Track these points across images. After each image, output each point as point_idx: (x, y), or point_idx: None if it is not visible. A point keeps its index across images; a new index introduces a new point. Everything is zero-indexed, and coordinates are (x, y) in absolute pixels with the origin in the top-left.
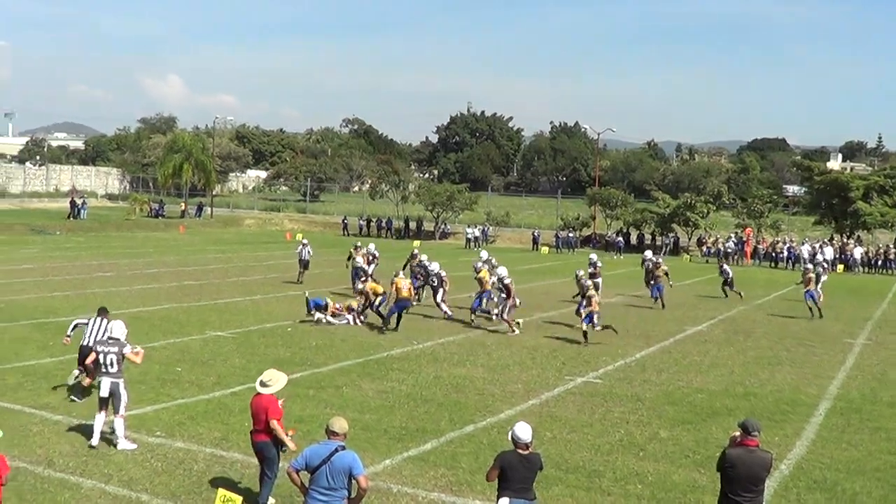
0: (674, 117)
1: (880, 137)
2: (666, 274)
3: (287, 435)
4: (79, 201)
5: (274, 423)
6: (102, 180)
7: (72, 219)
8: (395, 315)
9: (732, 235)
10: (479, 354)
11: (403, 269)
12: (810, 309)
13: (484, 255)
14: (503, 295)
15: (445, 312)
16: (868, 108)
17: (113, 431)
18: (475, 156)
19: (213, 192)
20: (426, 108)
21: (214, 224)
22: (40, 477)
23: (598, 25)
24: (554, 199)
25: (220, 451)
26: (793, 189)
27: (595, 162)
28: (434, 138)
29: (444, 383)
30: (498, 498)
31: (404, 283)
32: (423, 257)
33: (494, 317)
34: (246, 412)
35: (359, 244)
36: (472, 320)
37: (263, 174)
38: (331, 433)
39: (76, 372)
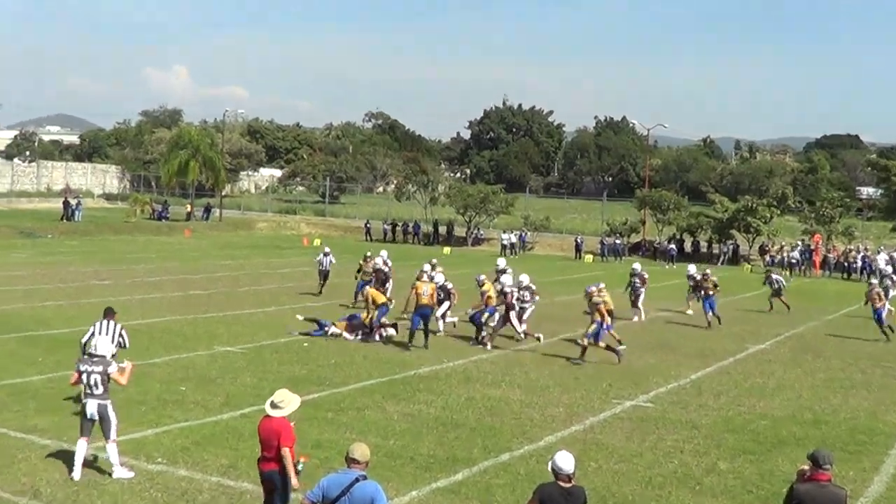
0: (733, 111)
1: None
2: (715, 286)
3: (297, 465)
4: (73, 201)
5: (285, 452)
6: (99, 178)
7: (65, 221)
8: (421, 330)
9: (799, 243)
10: (515, 374)
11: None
12: (883, 332)
13: (501, 262)
14: (527, 305)
15: (439, 330)
16: None
17: (96, 459)
18: (511, 153)
19: (223, 193)
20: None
21: (223, 227)
22: None
23: (648, 9)
24: (599, 201)
25: (227, 480)
26: (867, 191)
27: (645, 161)
28: (466, 134)
29: (477, 406)
30: None
31: (425, 289)
32: (427, 267)
33: (522, 335)
34: (257, 437)
35: (369, 253)
36: (482, 338)
37: (278, 173)
38: (351, 461)
39: None
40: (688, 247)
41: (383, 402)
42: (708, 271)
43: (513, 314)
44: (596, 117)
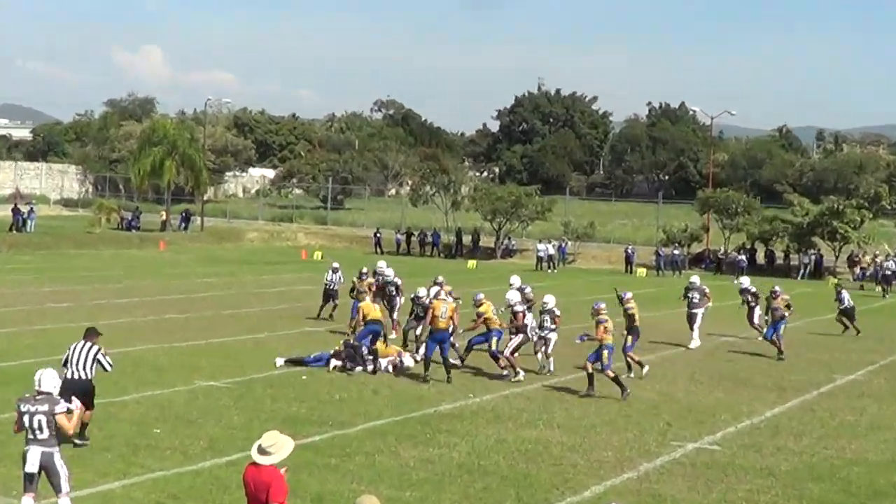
0: (814, 95)
1: None
2: (788, 307)
3: None
4: (24, 209)
5: None
6: (56, 181)
7: (15, 232)
8: (443, 358)
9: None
10: (555, 411)
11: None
12: None
13: (516, 280)
14: (551, 326)
15: (458, 359)
16: None
17: None
18: (548, 148)
19: (205, 197)
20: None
21: (206, 239)
22: None
23: None
24: (654, 204)
25: None
26: None
27: (708, 155)
28: (494, 126)
29: (510, 449)
30: None
31: (443, 308)
32: (422, 291)
33: (543, 370)
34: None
35: (365, 269)
36: (505, 375)
37: (271, 173)
38: None
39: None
40: (760, 258)
41: (397, 446)
42: (777, 288)
43: (516, 339)
44: (649, 104)
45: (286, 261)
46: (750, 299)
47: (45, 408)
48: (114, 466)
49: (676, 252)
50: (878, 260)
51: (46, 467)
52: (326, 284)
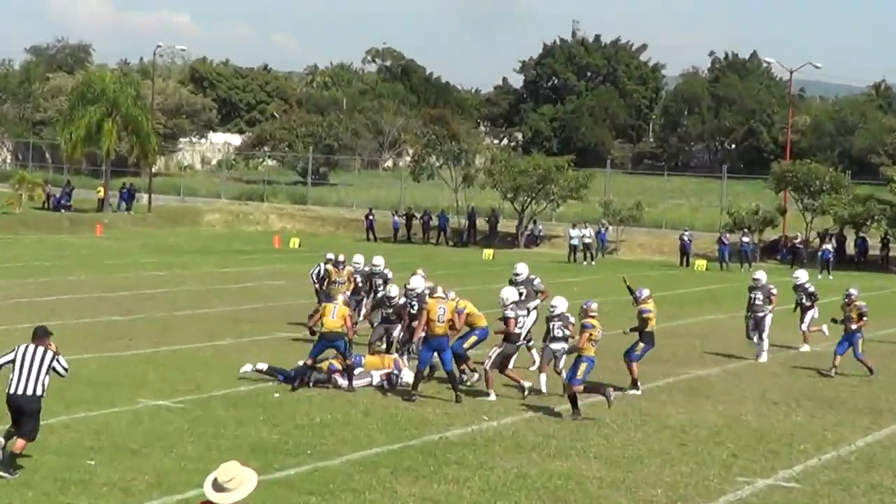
0: None
1: None
2: (861, 316)
3: None
4: None
5: None
6: None
7: None
8: (447, 373)
9: None
10: (591, 438)
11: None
12: None
13: (522, 269)
14: (559, 335)
15: (471, 375)
16: None
17: None
18: (584, 110)
19: (153, 170)
20: (504, 31)
21: (154, 221)
22: None
23: None
24: (716, 179)
25: None
26: None
27: (786, 119)
28: (517, 81)
29: (534, 486)
30: None
31: (440, 310)
32: (393, 290)
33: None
34: None
35: (342, 257)
36: (466, 375)
37: (237, 139)
38: None
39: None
40: (850, 247)
41: (393, 481)
42: (853, 291)
43: (497, 349)
44: (712, 54)
45: (255, 250)
46: (804, 299)
47: None
48: None
49: (746, 240)
50: None
51: None
52: (315, 280)
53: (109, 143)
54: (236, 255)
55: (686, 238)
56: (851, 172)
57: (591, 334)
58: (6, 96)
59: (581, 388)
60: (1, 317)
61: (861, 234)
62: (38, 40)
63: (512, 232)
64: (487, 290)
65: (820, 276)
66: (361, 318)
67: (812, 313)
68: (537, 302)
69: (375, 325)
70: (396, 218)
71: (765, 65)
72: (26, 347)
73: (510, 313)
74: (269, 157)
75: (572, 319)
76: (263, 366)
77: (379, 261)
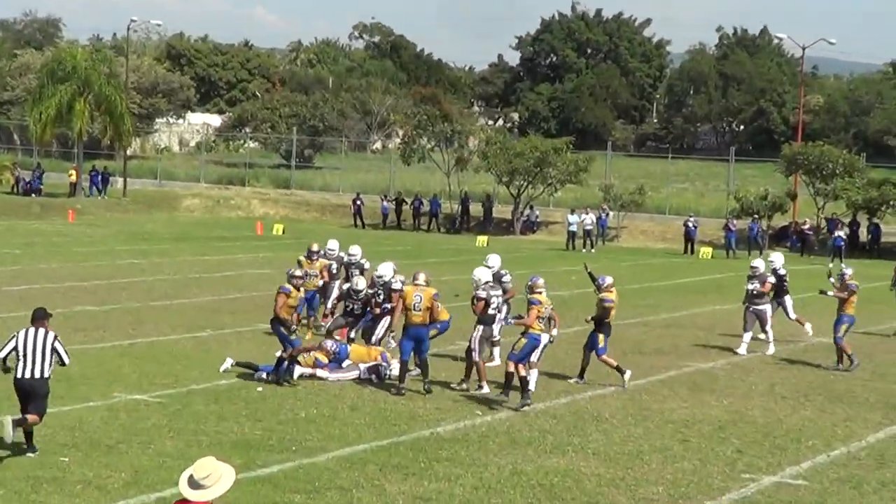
0: None
1: None
2: (851, 294)
3: None
4: None
5: None
6: None
7: None
8: (420, 360)
9: None
10: (589, 433)
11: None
12: None
13: (495, 260)
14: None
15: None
16: None
17: None
18: (585, 89)
19: (128, 152)
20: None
21: (130, 207)
22: None
23: None
24: (724, 162)
25: None
26: None
27: (798, 98)
28: (513, 58)
29: (529, 483)
30: None
31: (417, 298)
32: (361, 283)
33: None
34: None
35: (315, 247)
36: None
37: (216, 120)
38: None
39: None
40: (863, 234)
41: (382, 479)
42: (848, 270)
43: (477, 335)
44: (720, 29)
45: (236, 236)
46: (756, 287)
47: None
48: None
49: (756, 226)
50: None
51: None
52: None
53: (81, 123)
54: (216, 242)
55: (691, 224)
56: (866, 155)
57: (538, 311)
58: None
59: (523, 370)
60: None
61: (874, 221)
62: (5, 14)
63: (507, 218)
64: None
65: (831, 265)
66: (329, 308)
67: (789, 300)
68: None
69: (336, 315)
70: (385, 203)
71: (776, 41)
72: (26, 331)
73: (482, 293)
74: (251, 138)
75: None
76: (229, 364)
77: (356, 250)
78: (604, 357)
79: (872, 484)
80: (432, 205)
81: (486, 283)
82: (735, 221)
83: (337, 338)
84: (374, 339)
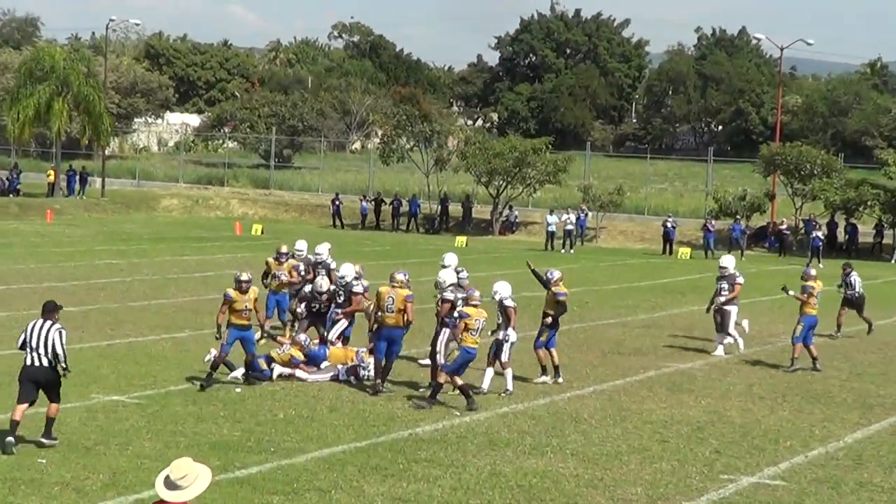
0: None
1: None
2: (808, 297)
3: None
4: None
5: None
6: None
7: None
8: (387, 361)
9: None
10: (568, 434)
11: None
12: None
13: (451, 259)
14: (506, 337)
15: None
16: None
17: None
18: (564, 89)
19: (107, 152)
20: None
21: (108, 207)
22: None
23: None
24: (702, 163)
25: None
26: None
27: (776, 98)
28: (492, 58)
29: (508, 485)
30: None
31: (388, 299)
32: (323, 283)
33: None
34: None
35: (284, 248)
36: (374, 384)
37: (195, 120)
38: None
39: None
40: (841, 234)
41: (360, 480)
42: (811, 271)
43: (443, 338)
44: (699, 30)
45: (215, 237)
46: (724, 286)
47: None
48: None
49: (738, 227)
50: None
51: None
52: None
53: (60, 123)
54: (195, 242)
55: (670, 225)
56: (844, 155)
57: (466, 323)
58: None
59: (447, 376)
60: None
61: (851, 221)
62: None
63: (486, 218)
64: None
65: (810, 265)
66: (291, 309)
67: (726, 301)
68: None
69: (301, 318)
70: (364, 203)
71: (754, 41)
72: (35, 322)
73: (449, 296)
74: (230, 138)
75: (512, 304)
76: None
77: (322, 249)
78: (542, 352)
79: (850, 484)
80: (411, 205)
81: (451, 285)
82: (714, 222)
83: (304, 336)
84: (330, 337)
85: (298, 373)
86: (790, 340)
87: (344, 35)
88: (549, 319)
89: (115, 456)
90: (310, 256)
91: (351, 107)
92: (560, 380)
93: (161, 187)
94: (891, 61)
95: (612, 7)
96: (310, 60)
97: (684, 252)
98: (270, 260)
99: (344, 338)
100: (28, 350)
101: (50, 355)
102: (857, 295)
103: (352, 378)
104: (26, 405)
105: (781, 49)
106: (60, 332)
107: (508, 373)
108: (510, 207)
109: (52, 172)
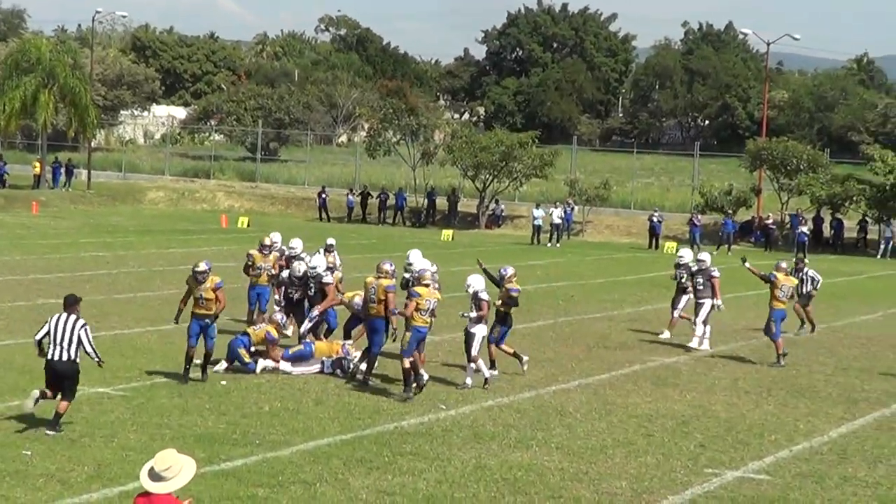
0: None
1: None
2: (767, 279)
3: None
4: None
5: None
6: None
7: None
8: (371, 355)
9: None
10: (553, 427)
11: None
12: None
13: (416, 256)
14: (473, 314)
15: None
16: None
17: None
18: (551, 83)
19: (93, 144)
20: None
21: (94, 199)
22: None
23: None
24: (689, 157)
25: None
26: None
27: (763, 93)
28: (479, 52)
29: (493, 478)
30: None
31: (371, 290)
32: (300, 267)
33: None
34: None
35: (268, 240)
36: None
37: (181, 112)
38: None
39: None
40: (827, 229)
41: (345, 472)
42: (783, 264)
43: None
44: (685, 25)
45: (201, 229)
46: (684, 279)
47: None
48: None
49: (730, 221)
50: None
51: None
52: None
53: (46, 115)
54: (181, 234)
55: (656, 219)
56: (830, 151)
57: (417, 303)
58: None
59: (407, 362)
60: None
61: (837, 216)
62: None
63: (473, 212)
64: (446, 273)
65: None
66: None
67: (688, 298)
68: None
69: (280, 305)
70: (351, 197)
71: (741, 36)
72: (58, 316)
73: (482, 293)
74: (216, 131)
75: (486, 297)
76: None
77: (296, 243)
78: (493, 347)
79: (834, 479)
80: (398, 198)
81: (477, 289)
82: (699, 216)
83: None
84: (301, 331)
85: (283, 366)
86: (770, 338)
87: (330, 28)
88: (502, 311)
89: (100, 448)
90: (283, 248)
91: (337, 100)
92: (492, 373)
93: (147, 180)
94: (877, 57)
95: (598, 1)
96: (296, 53)
97: (670, 246)
98: (255, 252)
99: (328, 330)
100: (52, 344)
101: (73, 351)
102: (811, 290)
103: (337, 371)
104: (52, 393)
105: (768, 44)
106: (86, 329)
107: (471, 367)
108: (496, 201)
109: (37, 164)
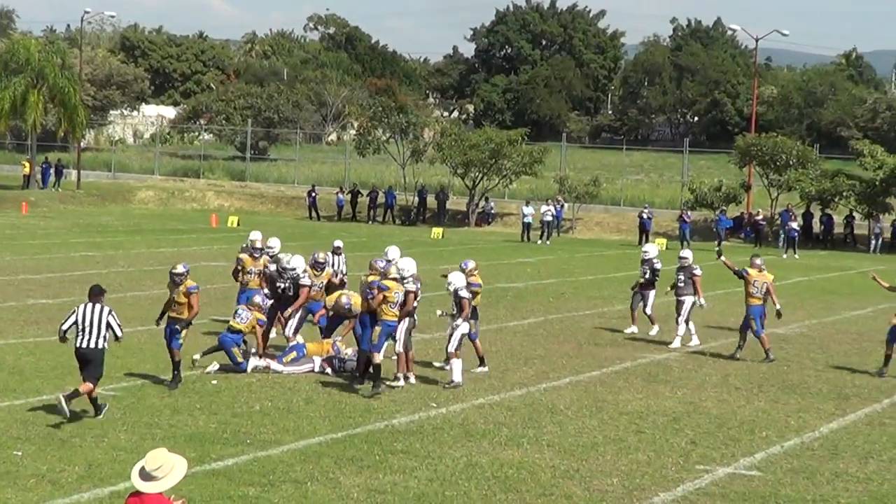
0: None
1: None
2: (739, 274)
3: None
4: None
5: None
6: None
7: None
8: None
9: None
10: (544, 425)
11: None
12: None
13: (394, 252)
14: (454, 313)
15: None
16: None
17: None
18: (539, 80)
19: (82, 144)
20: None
21: (83, 199)
22: None
23: None
24: (678, 154)
25: None
26: None
27: (752, 89)
28: (468, 50)
29: (484, 476)
30: None
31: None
32: (292, 260)
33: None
34: None
35: (251, 239)
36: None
37: (171, 112)
38: None
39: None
40: (817, 224)
41: (336, 471)
42: (758, 260)
43: (402, 326)
44: (674, 21)
45: (191, 229)
46: (648, 274)
47: None
48: None
49: (723, 217)
50: None
51: None
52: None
53: (35, 115)
54: (171, 234)
55: (645, 215)
56: (819, 146)
57: (385, 296)
58: None
59: (378, 357)
60: None
61: (827, 212)
62: None
63: (462, 210)
64: (436, 271)
65: (785, 256)
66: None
67: (653, 293)
68: None
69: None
70: (341, 195)
71: (729, 32)
72: (85, 306)
73: (411, 286)
74: (206, 130)
75: (466, 295)
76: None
77: (274, 242)
78: (478, 343)
79: (826, 474)
80: (388, 197)
81: (412, 274)
82: (689, 213)
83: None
84: (287, 333)
85: (274, 365)
86: (754, 335)
87: (319, 27)
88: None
89: (90, 448)
90: (263, 249)
91: (327, 98)
92: (482, 370)
93: (137, 179)
94: (866, 52)
95: None
96: (285, 52)
97: (660, 243)
98: (245, 256)
99: (319, 328)
100: (80, 332)
101: (100, 339)
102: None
103: (328, 370)
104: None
105: (757, 40)
106: (113, 314)
107: (457, 363)
108: (486, 199)
109: (27, 164)
